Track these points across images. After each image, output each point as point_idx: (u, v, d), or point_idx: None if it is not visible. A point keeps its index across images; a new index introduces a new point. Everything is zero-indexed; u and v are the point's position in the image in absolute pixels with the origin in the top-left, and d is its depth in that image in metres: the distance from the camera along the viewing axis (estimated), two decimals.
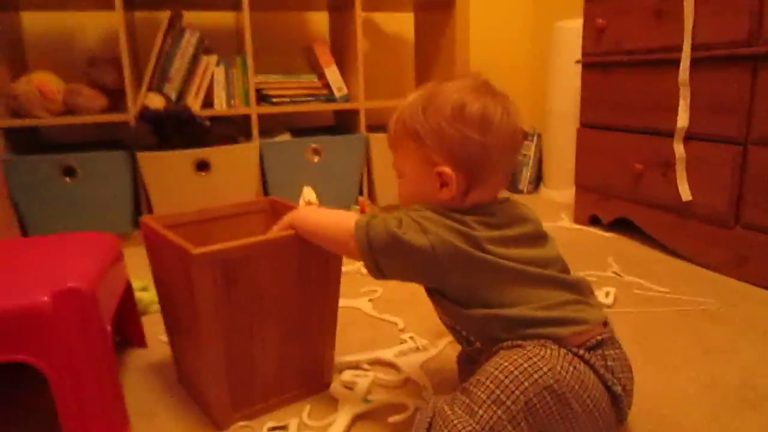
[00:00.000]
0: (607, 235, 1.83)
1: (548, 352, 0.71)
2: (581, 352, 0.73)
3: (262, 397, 0.91)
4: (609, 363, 0.75)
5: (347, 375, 1.00)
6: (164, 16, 1.85)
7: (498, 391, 0.68)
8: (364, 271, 1.53)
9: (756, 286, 1.37)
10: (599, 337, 0.76)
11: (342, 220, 0.82)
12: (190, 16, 2.00)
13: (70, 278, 0.81)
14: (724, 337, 1.13)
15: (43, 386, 0.79)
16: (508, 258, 0.76)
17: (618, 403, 0.75)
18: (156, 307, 1.34)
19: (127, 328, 1.15)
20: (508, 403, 0.68)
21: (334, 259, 0.92)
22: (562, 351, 0.72)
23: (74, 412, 0.80)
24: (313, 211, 0.89)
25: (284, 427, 0.86)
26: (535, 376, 0.69)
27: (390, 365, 1.05)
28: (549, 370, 0.69)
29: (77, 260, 0.90)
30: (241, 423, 0.88)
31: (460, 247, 0.75)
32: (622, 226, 1.82)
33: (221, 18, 2.24)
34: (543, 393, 0.68)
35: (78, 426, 0.80)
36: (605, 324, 0.80)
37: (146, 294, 1.34)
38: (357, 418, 0.89)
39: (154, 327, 1.20)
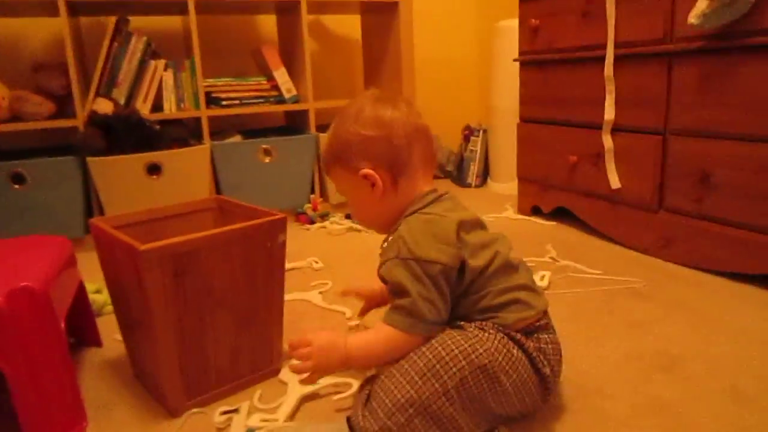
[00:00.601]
0: (547, 223, 1.93)
1: (486, 335, 0.79)
2: (518, 336, 0.81)
3: (215, 384, 0.96)
4: (542, 346, 0.83)
5: (295, 361, 1.05)
6: (110, 21, 1.86)
7: (438, 366, 0.75)
8: (316, 265, 1.60)
9: (680, 265, 1.49)
10: (538, 323, 0.84)
11: (387, 339, 0.79)
12: (136, 21, 2.01)
13: (22, 278, 0.84)
14: (647, 312, 1.23)
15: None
16: (473, 246, 0.83)
17: (545, 383, 0.83)
18: (110, 308, 1.36)
19: (82, 329, 1.18)
20: (445, 377, 0.75)
21: (277, 250, 0.98)
22: (499, 335, 0.79)
23: (32, 406, 0.83)
24: (359, 349, 0.81)
25: (236, 410, 0.91)
26: (473, 356, 0.76)
27: None
28: (484, 351, 0.77)
29: (29, 262, 0.93)
30: (195, 410, 0.93)
31: (454, 267, 0.80)
32: (561, 214, 1.93)
33: (168, 22, 2.25)
34: (477, 372, 0.76)
35: (37, 419, 0.84)
36: (545, 311, 0.87)
37: (100, 296, 1.36)
38: (304, 399, 0.94)
39: (108, 327, 1.23)
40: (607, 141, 1.63)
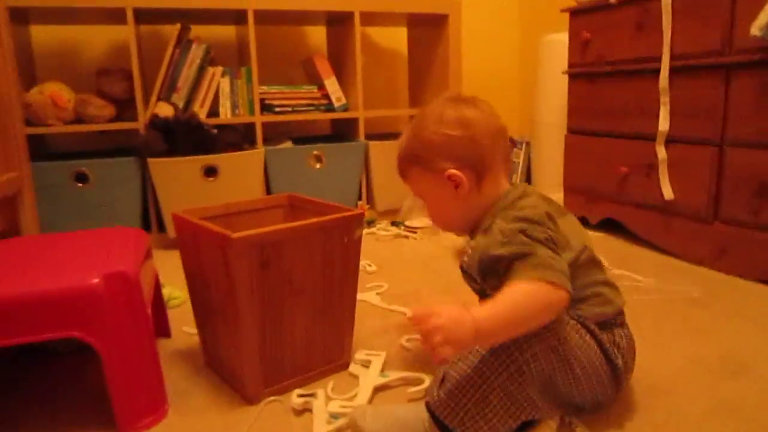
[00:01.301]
0: (596, 234, 1.94)
1: (559, 319, 0.79)
2: (592, 326, 0.82)
3: (290, 374, 0.99)
4: (617, 340, 0.84)
5: (361, 354, 1.08)
6: (173, 29, 1.93)
7: (510, 343, 0.76)
8: (369, 268, 1.63)
9: (735, 276, 1.48)
10: (615, 320, 0.86)
11: (524, 299, 0.73)
12: (195, 30, 2.08)
13: (117, 263, 0.89)
14: (706, 319, 1.23)
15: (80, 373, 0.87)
16: (564, 237, 0.83)
17: (617, 375, 0.84)
18: (175, 302, 1.41)
19: (154, 319, 1.22)
20: (517, 354, 0.76)
21: (353, 247, 1.01)
22: (572, 321, 0.81)
23: (121, 384, 0.87)
24: (487, 319, 0.71)
25: (312, 395, 0.93)
26: (545, 334, 0.77)
27: (404, 348, 1.13)
28: (556, 333, 0.78)
29: (118, 249, 0.98)
30: (272, 398, 0.96)
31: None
32: (609, 226, 1.93)
33: (222, 31, 2.33)
34: (548, 352, 0.78)
35: (125, 397, 0.87)
36: (622, 310, 0.88)
37: (164, 290, 1.40)
38: (377, 390, 0.97)
39: (174, 320, 1.27)
40: (661, 152, 1.63)
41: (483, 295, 0.93)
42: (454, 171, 0.87)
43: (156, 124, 1.83)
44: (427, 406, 0.80)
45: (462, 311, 0.70)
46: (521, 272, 0.74)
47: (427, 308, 0.70)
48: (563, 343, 0.78)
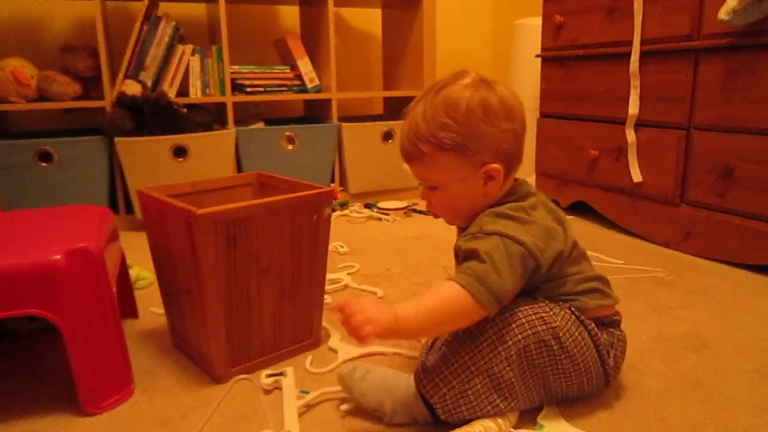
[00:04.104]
0: (566, 217, 1.95)
1: (558, 310, 0.79)
2: (591, 325, 0.81)
3: (258, 353, 0.98)
4: (614, 341, 0.85)
5: (336, 337, 1.08)
6: (141, 4, 1.88)
7: (504, 331, 0.76)
8: (341, 249, 1.62)
9: (700, 257, 1.52)
10: (615, 317, 0.86)
11: (446, 299, 0.74)
12: (163, 7, 2.03)
13: (79, 239, 0.87)
14: (672, 298, 1.26)
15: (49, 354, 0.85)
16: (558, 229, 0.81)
17: (606, 374, 0.83)
18: (141, 283, 1.39)
19: (120, 299, 1.20)
20: (510, 343, 0.76)
21: (323, 225, 1.00)
22: (572, 316, 0.80)
23: (85, 363, 0.85)
24: (406, 310, 0.73)
25: (281, 374, 0.93)
26: (539, 327, 0.77)
27: None
28: (551, 327, 0.77)
29: (82, 226, 0.95)
30: (241, 376, 0.95)
31: (534, 253, 0.76)
32: (579, 209, 1.95)
33: (192, 9, 2.28)
34: (540, 344, 0.77)
35: (89, 376, 0.86)
36: (617, 310, 0.88)
37: (132, 271, 1.38)
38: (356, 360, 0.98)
39: (142, 300, 1.25)
40: (631, 135, 1.66)
41: None
42: (496, 166, 0.79)
43: (123, 102, 1.79)
44: (415, 378, 0.80)
45: (382, 303, 0.74)
46: (460, 274, 0.75)
47: (347, 298, 0.74)
48: (557, 339, 0.77)
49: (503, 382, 0.76)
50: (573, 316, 0.80)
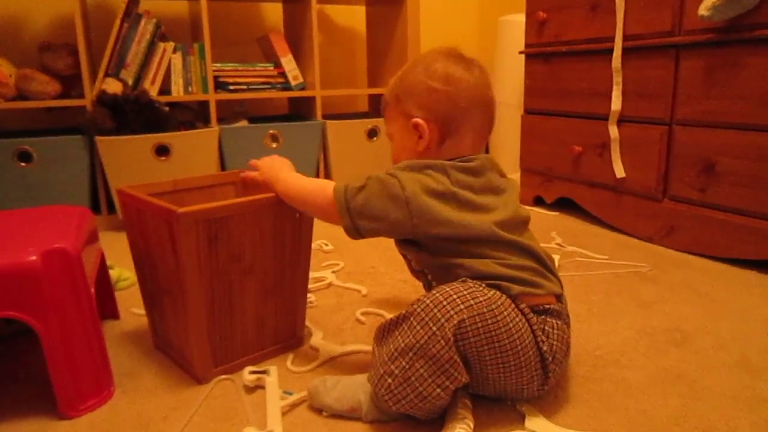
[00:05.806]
0: (551, 213, 1.97)
1: (487, 290, 0.77)
2: (522, 305, 0.79)
3: (241, 353, 0.97)
4: (547, 328, 0.81)
5: (318, 336, 1.07)
6: (121, 1, 1.86)
7: (436, 310, 0.74)
8: (326, 247, 1.62)
9: (683, 252, 1.53)
10: (547, 306, 0.82)
11: (322, 187, 0.89)
12: (144, 4, 2.00)
13: (56, 240, 0.85)
14: (654, 293, 1.27)
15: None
16: (477, 207, 0.83)
17: (544, 363, 0.79)
18: (123, 283, 1.37)
19: (100, 300, 1.18)
20: (443, 320, 0.73)
21: (306, 223, 0.99)
22: (502, 294, 0.78)
23: (63, 365, 0.84)
24: (295, 176, 0.95)
25: (265, 371, 0.92)
26: (472, 302, 0.75)
27: (359, 322, 1.13)
28: (485, 300, 0.75)
29: (60, 227, 0.94)
30: (223, 376, 0.94)
31: (430, 203, 0.80)
32: (563, 205, 1.96)
33: (174, 6, 2.25)
34: (475, 318, 0.74)
35: (66, 379, 0.84)
36: (558, 298, 0.85)
37: (113, 271, 1.36)
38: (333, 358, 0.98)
39: (123, 301, 1.24)
40: (613, 131, 1.66)
41: (426, 282, 0.94)
42: (420, 121, 0.88)
43: (104, 100, 1.76)
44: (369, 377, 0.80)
45: (284, 167, 0.98)
46: (341, 185, 0.86)
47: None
48: (491, 311, 0.75)
49: (446, 363, 0.73)
50: (503, 294, 0.78)
